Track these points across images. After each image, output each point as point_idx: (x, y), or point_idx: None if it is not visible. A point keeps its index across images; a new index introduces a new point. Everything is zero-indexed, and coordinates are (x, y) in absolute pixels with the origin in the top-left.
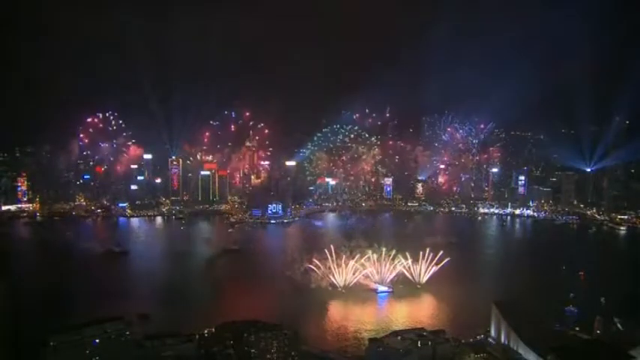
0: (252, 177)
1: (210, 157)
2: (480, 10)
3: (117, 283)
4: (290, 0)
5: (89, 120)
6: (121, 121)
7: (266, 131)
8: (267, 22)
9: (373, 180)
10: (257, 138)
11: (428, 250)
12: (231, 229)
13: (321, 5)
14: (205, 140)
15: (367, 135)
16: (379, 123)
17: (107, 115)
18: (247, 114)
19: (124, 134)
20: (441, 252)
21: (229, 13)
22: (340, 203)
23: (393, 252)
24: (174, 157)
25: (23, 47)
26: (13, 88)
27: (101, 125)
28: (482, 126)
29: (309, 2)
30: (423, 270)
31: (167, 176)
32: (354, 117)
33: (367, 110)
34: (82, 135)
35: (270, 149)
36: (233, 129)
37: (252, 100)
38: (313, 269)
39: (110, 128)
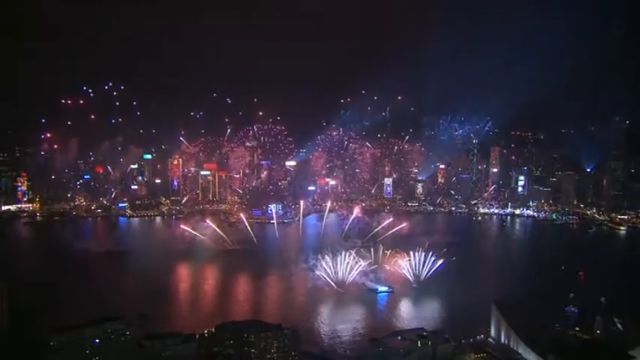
0: (252, 177)
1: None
2: (480, 9)
3: (117, 282)
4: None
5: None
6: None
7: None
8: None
9: (373, 180)
10: (257, 137)
11: (427, 250)
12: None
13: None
14: (204, 139)
15: (367, 135)
16: (379, 123)
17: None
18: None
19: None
20: (441, 252)
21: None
22: (340, 203)
23: (392, 252)
24: (174, 157)
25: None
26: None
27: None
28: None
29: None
30: (423, 270)
31: (167, 176)
32: (354, 117)
33: (368, 109)
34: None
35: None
36: (231, 127)
37: (251, 100)
38: (311, 269)
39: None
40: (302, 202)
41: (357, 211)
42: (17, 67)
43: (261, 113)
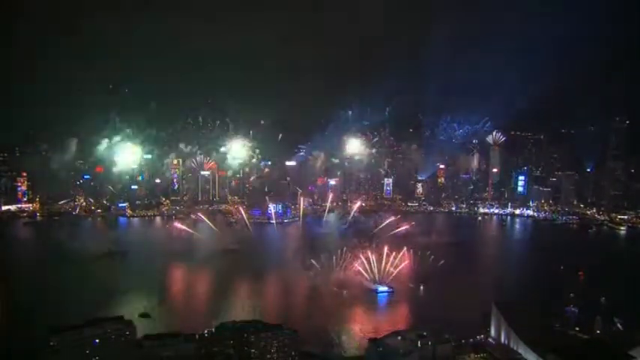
0: (252, 177)
1: (209, 158)
2: (480, 9)
3: (116, 282)
4: None
5: None
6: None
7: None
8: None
9: (373, 180)
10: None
11: (427, 249)
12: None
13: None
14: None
15: (367, 135)
16: (379, 123)
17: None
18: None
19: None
20: (440, 252)
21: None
22: (340, 203)
23: (391, 252)
24: (173, 157)
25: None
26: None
27: None
28: (490, 118)
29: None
30: (422, 270)
31: (167, 176)
32: (354, 117)
33: (368, 110)
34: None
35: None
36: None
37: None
38: (312, 269)
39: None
40: (302, 202)
41: (355, 210)
42: (17, 68)
43: (262, 122)
